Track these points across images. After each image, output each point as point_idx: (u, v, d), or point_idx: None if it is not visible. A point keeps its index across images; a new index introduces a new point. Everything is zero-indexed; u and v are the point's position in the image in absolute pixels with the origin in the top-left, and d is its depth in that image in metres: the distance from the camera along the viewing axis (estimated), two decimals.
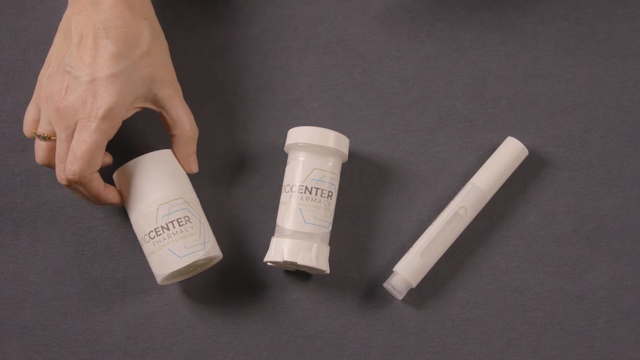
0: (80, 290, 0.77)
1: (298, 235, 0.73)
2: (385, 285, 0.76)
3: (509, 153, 0.77)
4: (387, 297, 0.77)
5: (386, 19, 0.81)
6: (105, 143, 0.69)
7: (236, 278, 0.77)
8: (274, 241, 0.74)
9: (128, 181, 0.72)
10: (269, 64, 0.80)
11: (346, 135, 0.79)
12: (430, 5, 0.82)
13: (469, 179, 0.79)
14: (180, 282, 0.77)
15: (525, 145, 0.79)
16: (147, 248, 0.72)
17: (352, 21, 0.81)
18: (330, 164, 0.75)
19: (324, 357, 0.76)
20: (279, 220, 0.74)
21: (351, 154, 0.79)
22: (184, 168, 0.75)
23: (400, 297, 0.75)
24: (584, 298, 0.77)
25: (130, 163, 0.72)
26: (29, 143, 0.79)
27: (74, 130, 0.69)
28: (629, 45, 0.81)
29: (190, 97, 0.80)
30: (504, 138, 0.80)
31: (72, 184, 0.70)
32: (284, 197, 0.75)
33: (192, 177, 0.79)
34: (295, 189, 0.74)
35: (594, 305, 0.77)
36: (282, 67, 0.80)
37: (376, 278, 0.77)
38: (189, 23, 0.81)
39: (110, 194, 0.72)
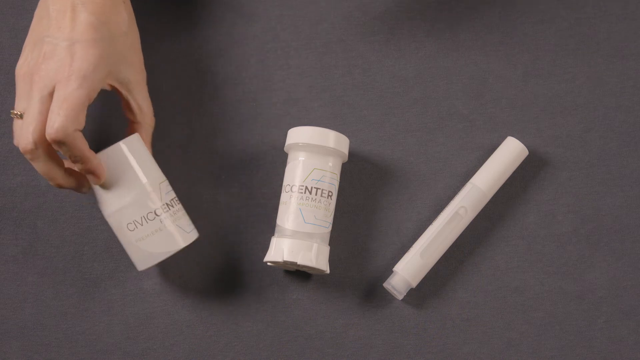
0: (80, 290, 0.77)
1: (298, 235, 0.73)
2: (385, 285, 0.76)
3: (509, 153, 0.77)
4: (387, 297, 0.77)
5: (386, 19, 0.81)
6: (87, 105, 0.67)
7: (236, 278, 0.77)
8: (274, 241, 0.74)
9: (114, 165, 0.71)
10: (269, 64, 0.80)
11: (346, 135, 0.79)
12: (430, 5, 0.82)
13: (469, 179, 0.79)
14: (180, 282, 0.77)
15: (525, 145, 0.79)
16: (152, 226, 0.71)
17: (352, 21, 0.81)
18: (330, 164, 0.75)
19: (324, 357, 0.76)
20: (279, 220, 0.74)
21: (351, 154, 0.79)
22: None
23: (400, 297, 0.75)
24: (584, 298, 0.77)
25: (110, 149, 0.71)
26: None
27: (50, 93, 0.67)
28: (629, 45, 0.81)
29: (190, 97, 0.80)
30: (504, 138, 0.80)
31: (34, 151, 0.67)
32: (284, 197, 0.75)
33: (193, 178, 0.79)
34: (295, 189, 0.74)
35: (594, 305, 0.77)
36: (282, 67, 0.80)
37: (376, 278, 0.77)
38: (189, 23, 0.81)
39: (94, 158, 0.69)
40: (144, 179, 0.71)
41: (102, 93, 0.80)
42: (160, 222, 0.71)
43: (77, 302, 0.77)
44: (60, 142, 0.66)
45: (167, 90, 0.80)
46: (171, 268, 0.77)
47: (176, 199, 0.73)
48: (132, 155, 0.71)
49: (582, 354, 0.76)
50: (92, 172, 0.69)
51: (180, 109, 0.80)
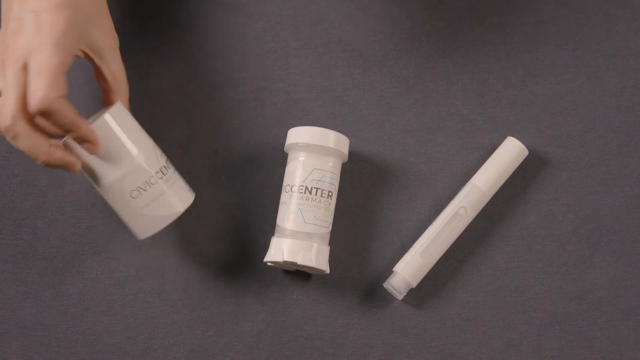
0: (80, 290, 0.77)
1: (298, 235, 0.73)
2: (385, 285, 0.76)
3: (509, 153, 0.77)
4: (387, 297, 0.77)
5: (386, 19, 0.81)
6: (65, 70, 0.65)
7: (236, 278, 0.77)
8: (274, 241, 0.74)
9: (105, 136, 0.69)
10: (269, 64, 0.80)
11: (346, 135, 0.79)
12: (430, 5, 0.82)
13: (469, 179, 0.79)
14: (180, 282, 0.77)
15: (525, 145, 0.79)
16: (154, 191, 0.70)
17: (352, 21, 0.81)
18: (330, 164, 0.75)
19: (324, 357, 0.76)
20: (279, 220, 0.74)
21: (351, 154, 0.79)
22: None
23: (400, 297, 0.75)
24: (584, 298, 0.77)
25: (96, 123, 0.69)
26: None
27: (24, 66, 0.65)
28: (629, 45, 0.81)
29: (190, 97, 0.80)
30: (504, 138, 0.80)
31: (13, 127, 0.64)
32: (284, 197, 0.75)
33: (193, 178, 0.79)
34: (295, 189, 0.74)
35: (594, 305, 0.77)
36: (282, 67, 0.80)
37: (376, 278, 0.77)
38: (189, 23, 0.81)
39: (85, 124, 0.66)
40: (138, 145, 0.70)
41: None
42: (162, 186, 0.70)
43: (77, 302, 0.77)
44: (46, 112, 0.64)
45: (167, 90, 0.80)
46: (171, 268, 0.77)
47: (168, 160, 0.73)
48: (122, 123, 0.70)
49: (582, 354, 0.76)
50: (87, 139, 0.67)
51: (180, 109, 0.80)
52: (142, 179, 0.70)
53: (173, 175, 0.72)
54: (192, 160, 0.79)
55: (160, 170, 0.71)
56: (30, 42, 0.65)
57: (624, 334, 0.77)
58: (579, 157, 0.79)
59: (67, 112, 0.65)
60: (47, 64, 0.64)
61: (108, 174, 0.69)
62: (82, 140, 0.67)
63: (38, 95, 0.63)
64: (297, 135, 0.74)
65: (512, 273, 0.77)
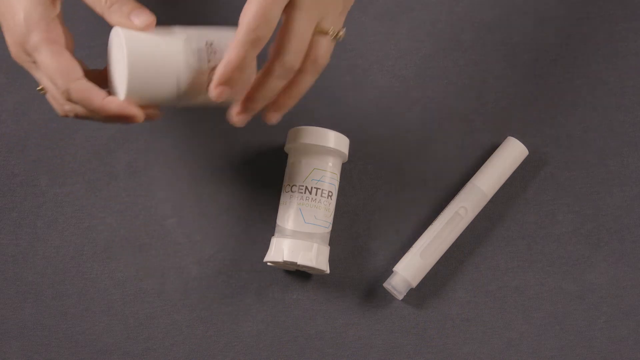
0: (80, 290, 0.77)
1: (298, 235, 0.73)
2: (385, 285, 0.76)
3: (509, 153, 0.77)
4: (387, 297, 0.77)
5: (386, 19, 0.81)
6: (61, 47, 0.62)
7: (236, 278, 0.77)
8: (274, 241, 0.74)
9: (142, 75, 0.63)
10: None
11: (346, 135, 0.79)
12: (430, 5, 0.82)
13: (469, 179, 0.79)
14: (180, 282, 0.77)
15: (525, 145, 0.79)
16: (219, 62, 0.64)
17: (352, 21, 0.81)
18: (330, 164, 0.75)
19: (324, 357, 0.76)
20: (279, 220, 0.75)
21: (351, 154, 0.79)
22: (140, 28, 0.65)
23: (400, 297, 0.75)
24: (584, 298, 0.77)
25: (128, 79, 0.63)
26: (28, 143, 0.79)
27: (34, 60, 0.64)
28: (629, 45, 0.81)
29: None
30: (504, 138, 0.80)
31: (67, 112, 0.64)
32: (284, 197, 0.75)
33: (193, 178, 0.79)
34: (295, 189, 0.74)
35: (594, 305, 0.77)
36: None
37: (376, 278, 0.77)
38: (188, 23, 0.81)
39: (112, 102, 0.62)
40: (170, 53, 0.64)
41: None
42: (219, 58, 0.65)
43: (77, 302, 0.77)
44: (72, 100, 0.63)
45: None
46: (171, 268, 0.77)
47: (207, 43, 0.66)
48: (140, 50, 0.63)
49: (582, 354, 0.76)
50: (119, 117, 0.64)
51: (180, 109, 0.80)
52: (199, 77, 0.65)
53: (213, 35, 0.66)
54: (192, 160, 0.79)
55: (206, 50, 0.65)
56: (18, 40, 0.63)
57: (624, 334, 0.77)
58: (579, 157, 0.79)
59: (89, 98, 0.62)
60: (40, 56, 0.63)
61: (171, 94, 0.65)
62: (115, 120, 0.64)
63: (60, 91, 0.62)
64: (297, 135, 0.74)
65: (512, 273, 0.77)
